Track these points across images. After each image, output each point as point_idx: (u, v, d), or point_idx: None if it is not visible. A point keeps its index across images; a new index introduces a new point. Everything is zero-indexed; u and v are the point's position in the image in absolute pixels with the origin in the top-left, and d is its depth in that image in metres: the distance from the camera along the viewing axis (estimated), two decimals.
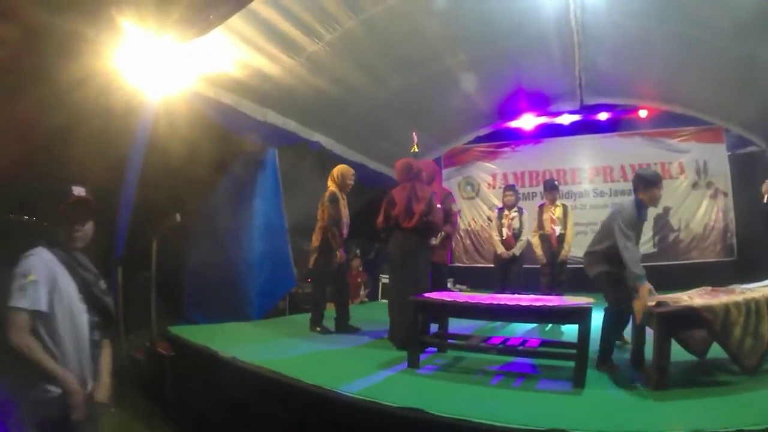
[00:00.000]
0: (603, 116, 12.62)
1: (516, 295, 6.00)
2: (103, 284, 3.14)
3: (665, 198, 11.65)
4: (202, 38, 6.12)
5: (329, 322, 7.33)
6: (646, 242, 12.01)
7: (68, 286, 2.92)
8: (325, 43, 7.49)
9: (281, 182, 9.09)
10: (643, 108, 12.15)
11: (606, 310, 5.08)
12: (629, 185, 11.80)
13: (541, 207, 8.95)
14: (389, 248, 6.53)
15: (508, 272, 8.80)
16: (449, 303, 5.47)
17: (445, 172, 14.19)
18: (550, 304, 5.08)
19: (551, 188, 9.01)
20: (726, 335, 4.28)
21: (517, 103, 11.96)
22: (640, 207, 5.09)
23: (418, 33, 8.06)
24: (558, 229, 8.64)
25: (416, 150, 7.78)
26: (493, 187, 13.77)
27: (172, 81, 6.50)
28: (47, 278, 2.82)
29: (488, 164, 14.10)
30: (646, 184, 5.08)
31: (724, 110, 11.07)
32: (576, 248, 10.67)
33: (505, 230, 8.87)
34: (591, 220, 12.14)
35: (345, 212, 7.49)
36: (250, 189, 8.81)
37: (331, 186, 7.44)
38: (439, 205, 6.64)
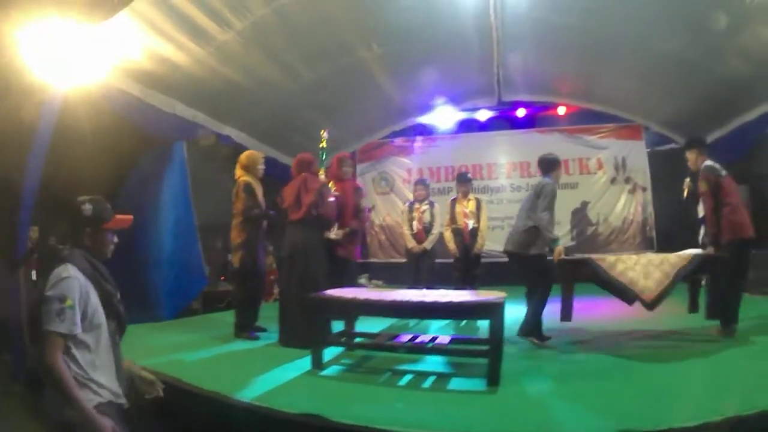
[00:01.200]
0: (521, 113, 13.06)
1: (426, 291, 5.82)
2: (118, 293, 3.31)
3: (583, 192, 12.36)
4: (107, 23, 5.91)
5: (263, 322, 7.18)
6: (565, 235, 12.39)
7: (95, 299, 3.04)
8: (236, 32, 7.30)
9: (190, 177, 8.89)
10: (561, 105, 12.63)
11: (535, 286, 6.25)
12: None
13: (454, 201, 8.95)
14: (283, 243, 6.57)
15: (420, 267, 8.78)
16: (350, 300, 5.23)
17: (359, 167, 14.26)
18: (459, 299, 5.00)
19: (464, 181, 8.98)
20: (611, 274, 5.80)
21: (432, 97, 12.12)
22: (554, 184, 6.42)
23: (332, 23, 8.06)
24: (471, 223, 8.62)
25: (324, 145, 7.65)
26: (408, 182, 13.74)
27: (77, 71, 6.16)
28: (82, 301, 2.93)
29: (403, 159, 14.32)
30: (553, 164, 6.65)
31: (644, 108, 11.54)
32: (492, 242, 10.93)
33: (415, 224, 8.90)
34: (508, 215, 12.37)
35: (262, 201, 7.13)
36: (157, 184, 8.56)
37: (243, 175, 7.09)
38: (333, 198, 6.71)
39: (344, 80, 9.87)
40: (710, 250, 6.21)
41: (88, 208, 3.17)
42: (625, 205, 12.74)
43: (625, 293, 5.76)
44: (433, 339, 5.43)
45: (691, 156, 6.68)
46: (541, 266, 6.22)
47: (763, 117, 8.97)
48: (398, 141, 14.46)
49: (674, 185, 10.20)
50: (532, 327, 6.11)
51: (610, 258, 6.00)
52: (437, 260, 8.89)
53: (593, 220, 12.80)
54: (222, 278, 10.53)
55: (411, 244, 8.89)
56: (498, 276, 11.43)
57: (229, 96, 8.84)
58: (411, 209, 9.12)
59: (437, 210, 9.01)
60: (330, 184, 7.23)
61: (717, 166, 6.32)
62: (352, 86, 10.31)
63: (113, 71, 6.88)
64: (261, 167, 7.27)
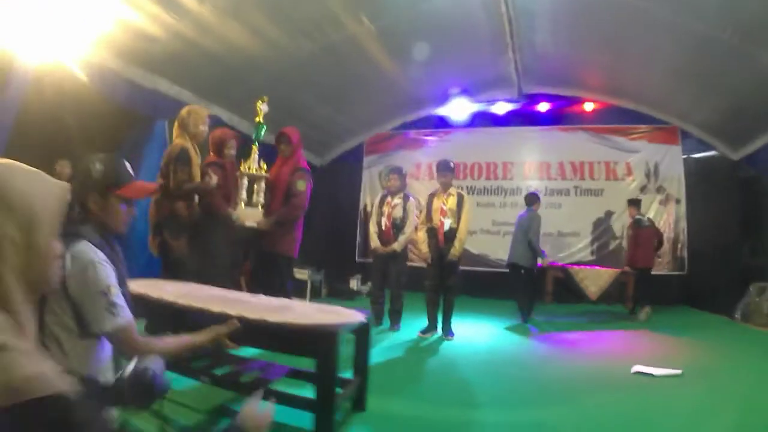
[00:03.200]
0: (543, 107, 12.09)
1: (265, 297, 4.22)
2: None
3: (608, 201, 11.31)
4: None
5: None
6: (583, 249, 11.59)
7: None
8: (209, 3, 6.89)
9: None
10: (588, 101, 11.70)
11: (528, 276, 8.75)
12: (566, 184, 11.82)
13: (432, 195, 7.72)
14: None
15: (387, 272, 7.72)
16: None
17: (366, 159, 13.67)
18: (285, 319, 3.25)
19: (444, 170, 7.66)
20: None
21: (446, 87, 11.55)
22: None
23: None
24: (448, 223, 7.36)
25: (260, 120, 6.43)
26: (418, 178, 12.97)
27: (50, 44, 6.21)
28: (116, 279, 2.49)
29: (413, 153, 13.35)
30: (536, 199, 9.24)
31: (681, 107, 10.63)
32: (494, 248, 10.80)
33: (384, 220, 7.75)
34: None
35: (197, 173, 5.67)
36: (135, 164, 8.00)
37: (180, 139, 5.62)
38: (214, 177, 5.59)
39: (338, 59, 9.29)
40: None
41: (98, 169, 2.61)
42: (655, 219, 11.00)
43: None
44: (264, 369, 3.78)
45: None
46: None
47: None
48: (409, 133, 13.56)
49: (712, 199, 9.41)
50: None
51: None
52: (410, 264, 8.07)
53: (617, 233, 11.59)
54: None
55: (375, 244, 7.80)
56: (482, 288, 10.80)
57: (213, 74, 8.55)
58: (381, 203, 7.96)
59: (412, 205, 7.84)
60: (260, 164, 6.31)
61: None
62: (348, 67, 9.74)
63: (89, 45, 6.79)
64: (204, 129, 5.79)
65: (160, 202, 5.55)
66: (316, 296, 10.49)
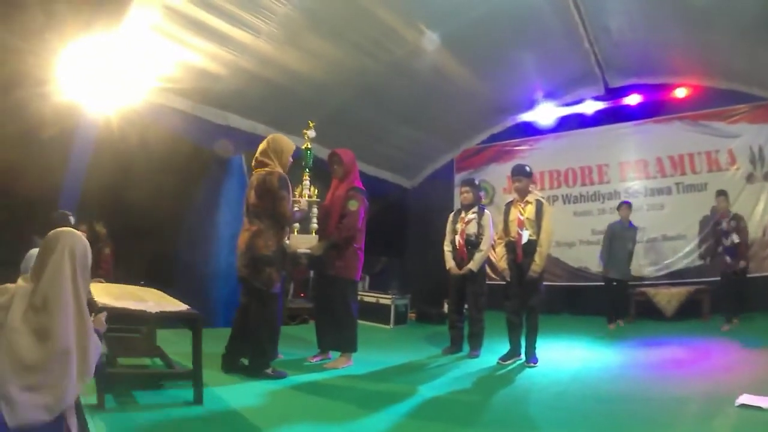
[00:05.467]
0: (633, 100, 11.38)
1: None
2: None
3: (713, 196, 10.31)
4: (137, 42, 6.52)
5: None
6: (690, 253, 10.67)
7: None
8: (264, 35, 7.25)
9: None
10: (680, 86, 10.94)
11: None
12: (667, 182, 11.06)
13: (509, 205, 6.98)
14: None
15: (465, 293, 7.25)
16: None
17: (456, 177, 13.37)
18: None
19: (519, 174, 6.86)
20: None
21: (530, 92, 11.35)
22: None
23: (371, 11, 7.63)
24: (526, 235, 6.60)
25: (309, 146, 6.44)
26: (509, 191, 11.71)
27: (116, 92, 6.80)
28: None
29: (505, 165, 12.53)
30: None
31: None
32: (595, 261, 10.45)
33: (458, 238, 7.26)
34: None
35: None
36: (215, 198, 9.05)
37: (275, 166, 5.58)
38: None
39: (408, 75, 9.46)
40: None
41: None
42: (766, 210, 10.12)
43: None
44: None
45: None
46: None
47: None
48: (497, 145, 13.30)
49: None
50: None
51: None
52: (491, 282, 7.68)
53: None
54: (302, 294, 10.79)
55: (449, 264, 7.33)
56: (587, 304, 10.86)
57: (283, 105, 8.83)
58: (455, 219, 7.49)
59: (487, 219, 7.29)
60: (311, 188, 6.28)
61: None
62: (421, 82, 9.86)
63: (155, 90, 7.41)
64: (292, 159, 5.86)
65: (268, 233, 5.46)
66: (401, 321, 10.24)
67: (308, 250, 6.10)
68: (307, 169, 6.36)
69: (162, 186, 8.17)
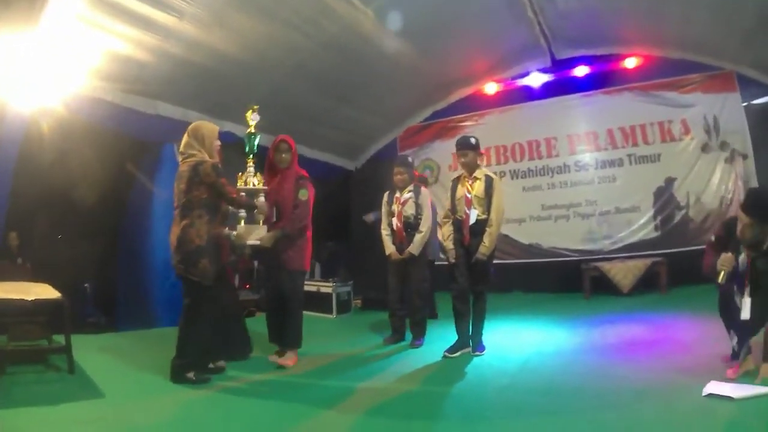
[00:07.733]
0: (580, 71, 11.36)
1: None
2: None
3: (667, 166, 10.33)
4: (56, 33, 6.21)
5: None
6: (646, 224, 10.67)
7: None
8: (188, 16, 7.00)
9: None
10: (629, 56, 10.91)
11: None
12: (619, 154, 10.90)
13: (456, 181, 6.34)
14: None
15: (408, 278, 6.83)
16: None
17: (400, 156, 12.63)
18: None
19: (464, 147, 6.21)
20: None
21: (472, 66, 11.32)
22: None
23: None
24: (475, 214, 5.99)
25: (252, 130, 6.00)
26: (455, 169, 11.78)
27: (41, 89, 6.70)
28: None
29: (450, 141, 12.10)
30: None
31: (734, 48, 9.57)
32: (555, 237, 10.24)
33: (395, 221, 6.84)
34: (573, 201, 11.25)
35: None
36: (147, 190, 8.86)
37: (202, 154, 5.29)
38: None
39: (343, 53, 9.27)
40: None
41: None
42: (722, 180, 10.23)
43: None
44: None
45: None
46: None
47: None
48: (441, 122, 13.13)
49: None
50: None
51: None
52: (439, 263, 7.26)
53: (682, 202, 10.54)
54: (246, 286, 10.46)
55: (389, 249, 6.91)
56: (541, 281, 10.97)
57: (213, 89, 8.60)
58: (390, 201, 7.07)
59: (425, 197, 6.90)
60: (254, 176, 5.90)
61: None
62: (358, 60, 9.68)
63: (80, 81, 7.16)
64: (219, 143, 5.56)
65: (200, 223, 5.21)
66: (344, 310, 9.82)
67: (257, 242, 5.71)
68: (251, 155, 5.96)
69: (98, 183, 8.34)
